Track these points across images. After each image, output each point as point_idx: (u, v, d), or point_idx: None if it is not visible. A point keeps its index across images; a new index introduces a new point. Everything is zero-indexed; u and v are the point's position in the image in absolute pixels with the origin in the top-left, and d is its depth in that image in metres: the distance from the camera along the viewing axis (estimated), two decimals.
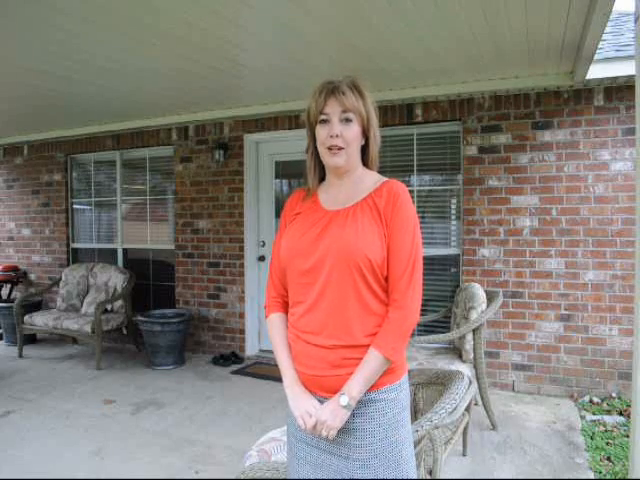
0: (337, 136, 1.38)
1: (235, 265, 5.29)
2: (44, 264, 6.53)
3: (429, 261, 4.47)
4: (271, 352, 1.54)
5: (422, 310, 4.65)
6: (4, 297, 6.52)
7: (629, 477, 1.91)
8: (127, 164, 6.10)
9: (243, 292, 5.26)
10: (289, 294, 1.48)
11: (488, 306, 3.48)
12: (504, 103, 4.17)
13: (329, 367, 1.34)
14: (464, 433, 2.88)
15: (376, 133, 1.47)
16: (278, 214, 4.84)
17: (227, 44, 3.23)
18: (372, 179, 1.46)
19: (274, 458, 2.09)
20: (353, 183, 1.46)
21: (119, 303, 5.46)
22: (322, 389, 1.37)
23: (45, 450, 3.19)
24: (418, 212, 5.08)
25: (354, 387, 1.30)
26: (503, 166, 4.18)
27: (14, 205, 6.78)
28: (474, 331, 3.35)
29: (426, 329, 4.50)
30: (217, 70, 3.76)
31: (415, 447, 1.67)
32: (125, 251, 6.09)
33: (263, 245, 5.37)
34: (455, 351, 3.69)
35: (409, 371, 1.94)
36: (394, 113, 4.53)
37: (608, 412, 3.63)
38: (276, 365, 1.48)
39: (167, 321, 4.89)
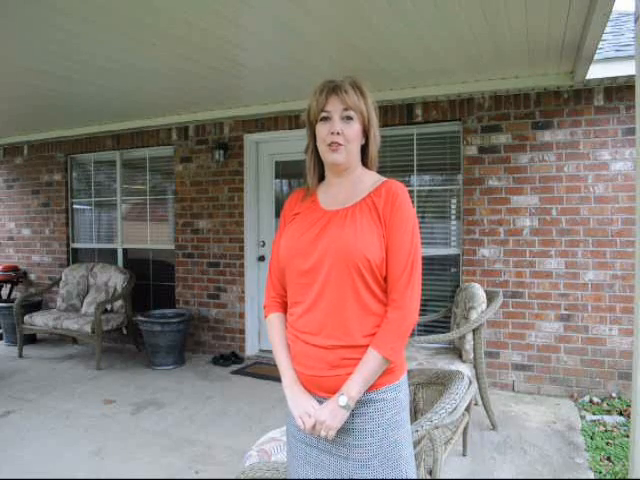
0: (338, 133, 1.38)
1: (235, 265, 5.29)
2: (44, 264, 6.53)
3: (429, 261, 4.47)
4: (271, 352, 1.53)
5: (422, 310, 4.62)
6: (4, 297, 6.53)
7: (629, 477, 1.91)
8: (127, 164, 6.10)
9: (243, 292, 5.26)
10: (288, 294, 1.48)
11: (488, 306, 3.48)
12: (504, 103, 4.17)
13: (328, 367, 1.34)
14: (464, 433, 2.88)
15: (376, 133, 1.47)
16: (278, 214, 4.83)
17: (227, 44, 3.23)
18: (371, 179, 1.46)
19: (274, 458, 2.09)
20: (352, 183, 1.46)
21: (119, 303, 5.46)
22: (321, 389, 1.37)
23: (45, 450, 3.19)
24: (418, 212, 5.06)
25: (353, 387, 1.30)
26: (503, 166, 4.18)
27: (14, 205, 6.78)
28: (474, 331, 3.35)
29: (426, 329, 4.50)
30: (217, 70, 3.76)
31: (415, 447, 1.67)
32: (125, 251, 6.09)
33: (263, 245, 5.37)
34: (455, 351, 3.69)
35: (409, 371, 1.94)
36: (394, 113, 4.53)
37: (608, 412, 3.63)
38: (276, 365, 1.48)
39: (167, 321, 4.89)
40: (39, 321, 5.28)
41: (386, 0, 2.58)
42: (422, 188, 4.63)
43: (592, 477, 2.79)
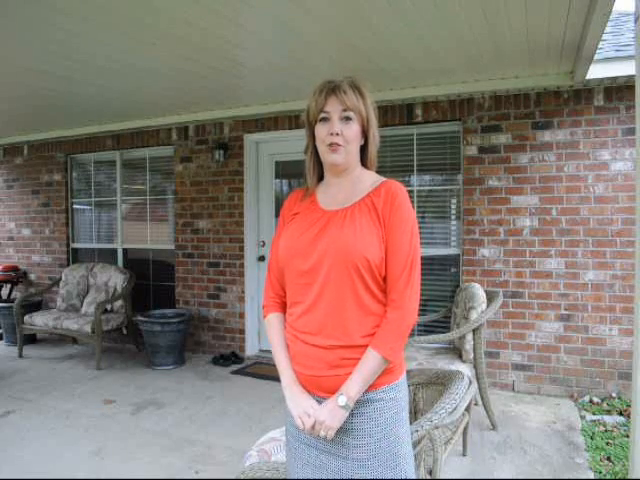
0: (337, 134, 1.38)
1: (235, 265, 5.29)
2: (44, 264, 6.53)
3: (429, 261, 4.47)
4: (271, 352, 1.54)
5: (422, 310, 4.62)
6: (4, 297, 6.53)
7: (629, 477, 1.91)
8: (127, 164, 6.10)
9: (243, 292, 5.26)
10: (287, 294, 1.48)
11: (488, 306, 3.48)
12: (504, 103, 4.17)
13: (327, 367, 1.34)
14: (464, 433, 2.88)
15: (375, 133, 1.47)
16: (278, 214, 4.84)
17: (227, 44, 3.23)
18: (370, 179, 1.46)
19: (274, 458, 2.09)
20: (351, 183, 1.46)
21: (119, 303, 5.46)
22: (320, 389, 1.37)
23: (45, 450, 3.19)
24: (418, 212, 5.06)
25: (352, 387, 1.30)
26: (503, 166, 4.18)
27: (14, 205, 6.78)
28: (474, 331, 3.35)
29: (426, 329, 4.50)
30: (217, 70, 3.76)
31: (415, 447, 1.67)
32: (125, 251, 6.09)
33: (263, 245, 5.37)
34: (455, 351, 3.69)
35: (409, 371, 1.94)
36: (394, 113, 4.53)
37: (608, 412, 3.63)
38: (275, 365, 1.48)
39: (167, 321, 4.89)
40: (39, 321, 5.28)
41: (386, 0, 2.58)
42: (422, 188, 4.63)
43: (592, 477, 2.79)
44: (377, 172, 1.52)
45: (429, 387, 2.31)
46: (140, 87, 4.25)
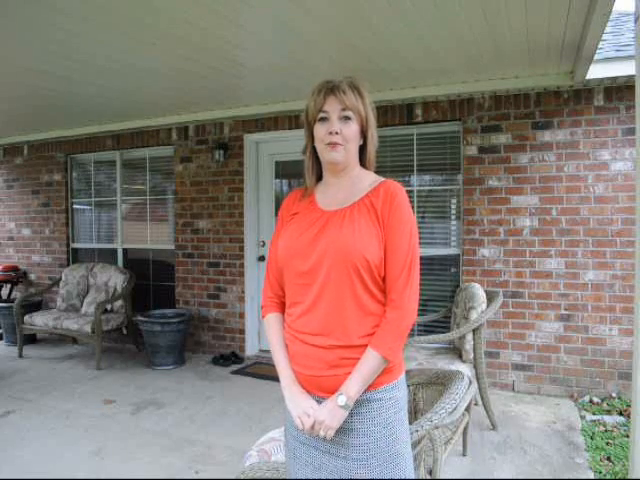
0: (337, 133, 1.38)
1: (235, 265, 5.29)
2: (44, 264, 6.53)
3: (429, 261, 4.47)
4: (271, 352, 1.54)
5: (422, 310, 4.61)
6: (4, 297, 6.53)
7: (629, 477, 1.91)
8: (127, 164, 6.10)
9: (243, 292, 5.26)
10: (286, 294, 1.48)
11: (488, 306, 3.48)
12: (504, 103, 4.17)
13: (327, 367, 1.34)
14: (464, 433, 2.88)
15: (374, 133, 1.47)
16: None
17: (227, 44, 3.23)
18: (369, 179, 1.46)
19: (274, 458, 2.09)
20: (350, 183, 1.46)
21: (119, 303, 5.46)
22: (320, 389, 1.37)
23: (45, 450, 3.19)
24: (418, 212, 5.05)
25: (352, 387, 1.30)
26: (503, 166, 4.17)
27: (14, 205, 6.78)
28: (474, 331, 3.35)
29: (426, 329, 4.50)
30: (217, 70, 3.76)
31: (415, 447, 1.67)
32: (125, 251, 6.09)
33: (263, 245, 5.37)
34: (455, 351, 3.69)
35: (408, 371, 1.94)
36: (394, 113, 4.53)
37: (608, 412, 3.63)
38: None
39: (167, 321, 4.89)
40: (39, 321, 5.28)
41: (386, 0, 2.58)
42: (422, 188, 4.63)
43: (592, 477, 2.79)
44: (377, 172, 1.52)
45: (429, 387, 2.31)
46: (140, 87, 4.25)
